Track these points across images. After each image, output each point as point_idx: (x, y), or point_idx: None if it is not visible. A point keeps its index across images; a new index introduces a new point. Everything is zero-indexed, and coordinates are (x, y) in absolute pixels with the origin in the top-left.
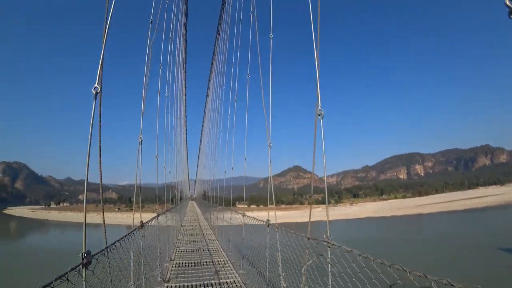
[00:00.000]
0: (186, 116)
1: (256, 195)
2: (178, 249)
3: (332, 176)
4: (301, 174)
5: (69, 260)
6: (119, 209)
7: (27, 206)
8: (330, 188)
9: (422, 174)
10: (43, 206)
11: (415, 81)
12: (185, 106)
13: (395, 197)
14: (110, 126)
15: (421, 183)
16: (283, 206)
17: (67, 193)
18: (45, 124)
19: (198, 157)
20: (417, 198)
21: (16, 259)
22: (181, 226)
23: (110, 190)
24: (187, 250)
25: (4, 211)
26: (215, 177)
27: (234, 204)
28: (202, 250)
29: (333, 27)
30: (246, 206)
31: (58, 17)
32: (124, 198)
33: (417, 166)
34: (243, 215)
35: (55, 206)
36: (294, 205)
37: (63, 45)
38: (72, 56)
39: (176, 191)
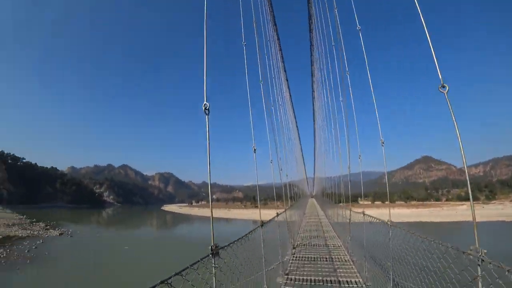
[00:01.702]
0: (295, 117)
1: (380, 191)
2: (298, 243)
3: (477, 166)
4: (432, 165)
5: (202, 248)
6: (244, 206)
7: (176, 204)
8: (476, 181)
9: None
10: (187, 204)
11: None
12: (292, 107)
13: None
14: (235, 136)
15: None
16: (413, 202)
17: (204, 194)
18: (184, 141)
19: (314, 155)
20: None
21: (165, 244)
22: (301, 222)
23: (237, 190)
24: (307, 245)
25: (161, 208)
26: (333, 174)
27: (355, 201)
28: (322, 245)
29: None
30: (370, 203)
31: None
32: (249, 196)
33: None
34: (363, 214)
35: (196, 204)
36: (428, 202)
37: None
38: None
39: (295, 189)
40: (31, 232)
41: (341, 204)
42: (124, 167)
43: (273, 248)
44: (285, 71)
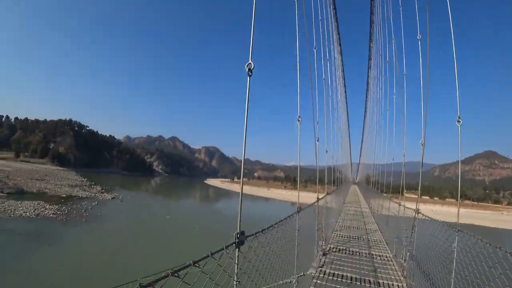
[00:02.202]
0: (346, 98)
1: (430, 184)
2: (335, 233)
3: None
4: (496, 162)
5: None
6: (285, 186)
7: (219, 179)
8: None
9: None
10: (229, 179)
11: None
12: (344, 86)
13: None
14: (280, 111)
15: None
16: (467, 202)
17: (246, 171)
18: (229, 116)
19: (362, 139)
20: None
21: (203, 217)
22: (341, 210)
23: (279, 170)
24: (345, 236)
25: (205, 182)
26: (381, 161)
27: (401, 193)
28: (361, 239)
29: None
30: (416, 197)
31: None
32: (290, 177)
33: None
34: (417, 212)
35: (237, 180)
36: (485, 203)
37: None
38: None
39: (337, 173)
40: (89, 194)
41: (385, 194)
42: (174, 139)
43: (309, 237)
44: (339, 44)
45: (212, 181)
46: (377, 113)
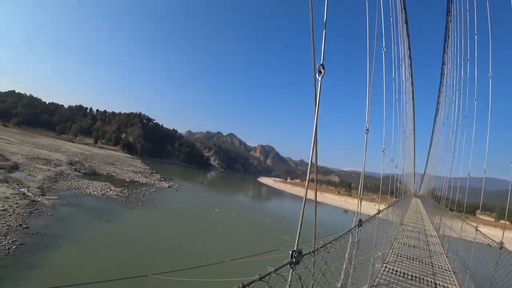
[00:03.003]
0: (413, 105)
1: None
2: (393, 251)
3: None
4: None
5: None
6: (338, 192)
7: (272, 178)
8: None
9: None
10: (282, 179)
11: None
12: (412, 93)
13: None
14: (340, 113)
15: None
16: None
17: (299, 172)
18: (286, 117)
19: (429, 149)
20: None
21: (251, 216)
22: (401, 224)
23: (333, 174)
24: (405, 256)
25: (258, 179)
26: (450, 174)
27: (473, 213)
28: (423, 262)
29: None
30: (493, 220)
31: None
32: (345, 182)
33: None
34: (501, 245)
35: (290, 180)
36: None
37: None
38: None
39: (399, 184)
40: (149, 180)
41: (455, 213)
42: (231, 135)
43: (365, 253)
44: (409, 47)
45: (265, 180)
46: (452, 120)
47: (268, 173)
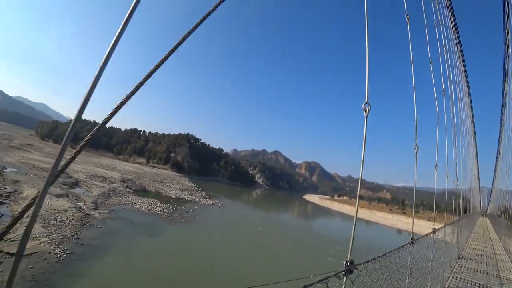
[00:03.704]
0: (472, 113)
1: None
2: (455, 276)
3: None
4: None
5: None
6: (390, 210)
7: (318, 195)
8: None
9: None
10: (329, 196)
11: None
12: (470, 103)
13: None
14: (393, 132)
15: None
16: None
17: (347, 189)
18: (333, 133)
19: (496, 160)
20: None
21: (294, 236)
22: (464, 248)
23: (384, 190)
24: (469, 282)
25: (303, 196)
26: None
27: None
28: None
29: None
30: None
31: None
32: (397, 199)
33: None
34: None
35: (337, 198)
36: None
37: None
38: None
39: (460, 200)
40: (194, 198)
41: None
42: (276, 153)
43: (420, 275)
44: (461, 53)
45: (310, 197)
46: None
47: (314, 190)
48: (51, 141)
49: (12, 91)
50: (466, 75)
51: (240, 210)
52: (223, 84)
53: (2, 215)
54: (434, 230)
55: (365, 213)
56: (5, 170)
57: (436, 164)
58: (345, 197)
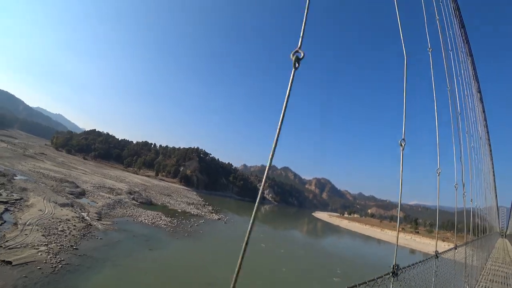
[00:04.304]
0: (487, 131)
1: None
2: None
3: None
4: None
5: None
6: (403, 228)
7: (327, 212)
8: None
9: None
10: (338, 214)
11: None
12: (485, 120)
13: None
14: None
15: None
16: None
17: (358, 206)
18: (342, 150)
19: None
20: None
21: (299, 255)
22: (482, 272)
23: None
24: None
25: (313, 213)
26: None
27: None
28: None
29: None
30: None
31: None
32: (410, 218)
33: None
34: None
35: (347, 215)
36: None
37: None
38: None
39: (478, 220)
40: (200, 212)
41: None
42: (286, 169)
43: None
44: (474, 68)
45: (320, 214)
46: None
47: (324, 207)
48: (64, 151)
49: (32, 102)
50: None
51: (246, 226)
52: (232, 101)
53: (5, 221)
54: (456, 247)
55: (376, 232)
56: (15, 178)
57: (456, 183)
58: (355, 215)
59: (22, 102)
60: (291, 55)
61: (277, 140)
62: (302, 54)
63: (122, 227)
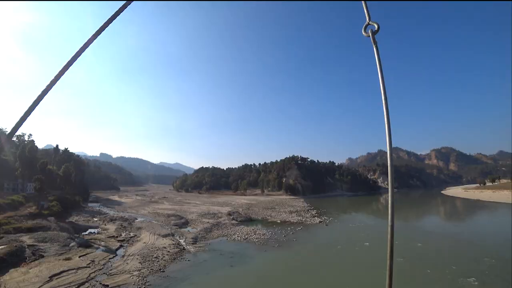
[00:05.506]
0: None
1: None
2: None
3: None
4: None
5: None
6: None
7: (462, 186)
8: None
9: None
10: (476, 185)
11: None
12: None
13: None
14: None
15: None
16: None
17: (504, 169)
18: (465, 109)
19: None
20: None
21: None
22: None
23: None
24: None
25: (442, 191)
26: None
27: None
28: None
29: None
30: None
31: None
32: None
33: None
34: None
35: (489, 184)
36: None
37: None
38: None
39: None
40: (301, 219)
41: None
42: (395, 149)
43: None
44: None
45: (451, 191)
46: None
47: (456, 180)
48: (183, 191)
49: (155, 159)
50: None
51: (351, 224)
52: (321, 102)
53: (116, 255)
54: None
55: None
56: (135, 220)
57: None
58: (501, 181)
59: (149, 162)
60: (363, 31)
61: (388, 120)
62: (376, 27)
63: (213, 248)
